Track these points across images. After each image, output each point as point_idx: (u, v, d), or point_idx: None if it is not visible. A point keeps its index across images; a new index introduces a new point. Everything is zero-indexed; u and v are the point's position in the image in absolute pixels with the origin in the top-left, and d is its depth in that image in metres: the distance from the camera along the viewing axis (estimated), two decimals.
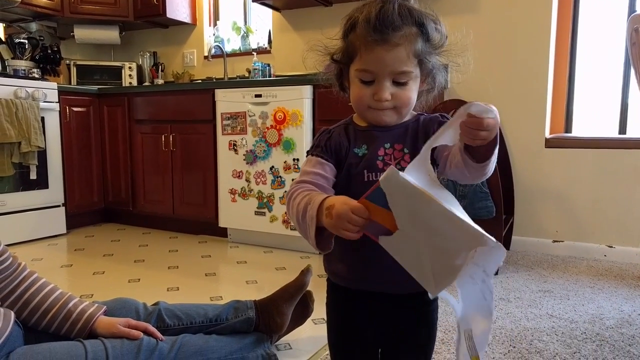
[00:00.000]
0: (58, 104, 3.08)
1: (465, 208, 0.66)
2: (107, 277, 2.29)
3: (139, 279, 2.24)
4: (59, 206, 3.12)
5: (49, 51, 3.56)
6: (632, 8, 2.57)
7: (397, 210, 0.63)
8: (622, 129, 2.63)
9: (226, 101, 2.79)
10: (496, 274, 2.25)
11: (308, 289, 1.51)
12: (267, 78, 3.24)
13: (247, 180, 2.76)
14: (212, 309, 1.37)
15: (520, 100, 2.67)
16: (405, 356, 0.88)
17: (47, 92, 3.01)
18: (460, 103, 2.29)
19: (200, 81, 3.57)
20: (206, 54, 3.69)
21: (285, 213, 2.64)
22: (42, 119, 2.95)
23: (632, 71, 2.07)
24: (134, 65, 3.77)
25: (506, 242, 2.69)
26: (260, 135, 2.68)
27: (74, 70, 3.68)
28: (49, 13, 3.46)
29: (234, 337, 1.31)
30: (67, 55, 3.85)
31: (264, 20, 3.57)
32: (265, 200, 2.71)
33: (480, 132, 0.64)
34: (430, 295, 0.67)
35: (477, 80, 2.60)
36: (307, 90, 2.55)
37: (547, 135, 2.68)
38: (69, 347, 1.08)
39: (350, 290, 0.86)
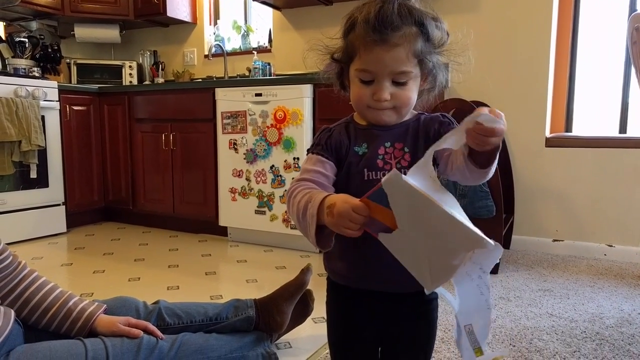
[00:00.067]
0: (58, 102, 3.09)
1: (465, 207, 0.66)
2: (107, 275, 2.29)
3: (139, 278, 2.24)
4: (59, 205, 3.12)
5: (50, 50, 3.56)
6: (632, 7, 2.57)
7: (397, 211, 0.64)
8: (623, 128, 2.63)
9: (226, 100, 2.79)
10: (496, 272, 2.25)
11: (308, 287, 1.50)
12: (268, 77, 3.24)
13: (248, 179, 2.76)
14: (212, 308, 1.37)
15: (520, 99, 2.67)
16: (405, 355, 0.88)
17: (47, 90, 3.01)
18: (460, 102, 2.28)
19: (200, 80, 3.57)
20: (206, 52, 3.69)
21: (286, 212, 2.64)
22: (43, 117, 2.95)
23: (633, 70, 2.06)
24: (134, 64, 3.77)
25: (506, 241, 2.69)
26: (261, 134, 2.68)
27: (74, 69, 3.68)
28: (50, 12, 3.46)
29: (234, 336, 1.31)
30: (67, 54, 3.85)
31: (264, 19, 3.57)
32: (265, 199, 2.71)
33: (490, 139, 0.64)
34: (426, 291, 0.67)
35: (477, 79, 2.60)
36: (307, 89, 2.55)
37: (548, 134, 2.68)
38: (69, 345, 1.08)
39: (350, 289, 0.86)
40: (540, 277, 2.22)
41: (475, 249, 0.62)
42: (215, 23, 3.76)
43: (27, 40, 3.46)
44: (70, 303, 1.18)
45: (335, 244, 0.75)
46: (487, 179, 0.74)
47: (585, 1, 2.68)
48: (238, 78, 3.44)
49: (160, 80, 3.75)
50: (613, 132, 2.65)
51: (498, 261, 2.21)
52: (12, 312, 1.09)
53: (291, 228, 2.64)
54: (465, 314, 0.71)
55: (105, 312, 1.22)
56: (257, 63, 3.27)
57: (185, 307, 1.35)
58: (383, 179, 0.63)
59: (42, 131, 2.91)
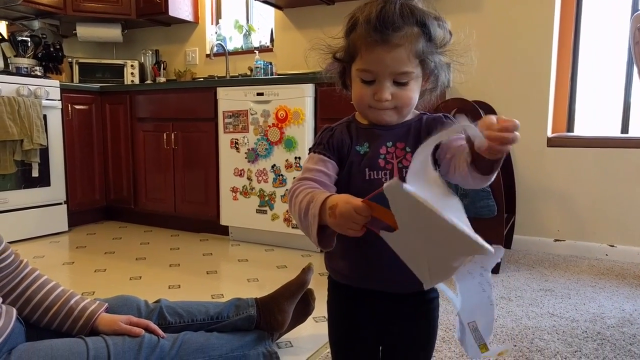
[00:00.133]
0: (60, 101, 3.09)
1: (466, 207, 0.66)
2: (108, 274, 2.30)
3: (141, 277, 2.25)
4: (60, 204, 3.13)
5: (52, 49, 3.57)
6: (635, 7, 2.56)
7: (398, 215, 0.64)
8: (625, 128, 2.63)
9: (228, 99, 2.79)
10: (497, 272, 2.25)
11: (309, 287, 1.51)
12: (269, 76, 3.24)
13: (249, 179, 2.76)
14: (213, 307, 1.38)
15: (522, 99, 2.67)
16: (405, 354, 0.88)
17: (49, 89, 3.01)
18: (462, 102, 2.28)
19: (202, 79, 3.57)
20: (208, 52, 3.69)
21: (287, 211, 2.64)
22: (45, 116, 2.95)
23: (635, 70, 2.06)
24: (136, 63, 3.77)
25: (507, 241, 2.69)
26: (262, 134, 2.68)
27: (76, 68, 3.69)
28: (52, 11, 3.46)
29: (235, 335, 1.31)
30: (69, 53, 3.85)
31: (266, 19, 3.57)
32: (266, 198, 2.71)
33: (504, 147, 0.63)
34: (425, 286, 0.67)
35: (479, 78, 2.59)
36: (309, 89, 2.55)
37: (549, 134, 2.68)
38: (70, 344, 1.08)
39: (352, 288, 0.86)
40: (542, 276, 2.22)
41: (475, 254, 0.63)
42: (217, 22, 3.76)
43: (29, 39, 3.47)
44: (72, 302, 1.18)
45: (337, 243, 0.75)
46: (488, 184, 0.74)
47: (588, 1, 2.67)
48: (240, 77, 3.44)
49: (162, 79, 3.75)
50: (615, 132, 2.64)
51: (499, 261, 2.21)
52: (14, 311, 1.09)
53: (292, 227, 2.64)
54: (468, 311, 0.71)
55: (107, 310, 1.22)
56: (258, 62, 3.27)
57: (186, 306, 1.35)
58: (384, 185, 0.63)
59: (44, 130, 2.92)
